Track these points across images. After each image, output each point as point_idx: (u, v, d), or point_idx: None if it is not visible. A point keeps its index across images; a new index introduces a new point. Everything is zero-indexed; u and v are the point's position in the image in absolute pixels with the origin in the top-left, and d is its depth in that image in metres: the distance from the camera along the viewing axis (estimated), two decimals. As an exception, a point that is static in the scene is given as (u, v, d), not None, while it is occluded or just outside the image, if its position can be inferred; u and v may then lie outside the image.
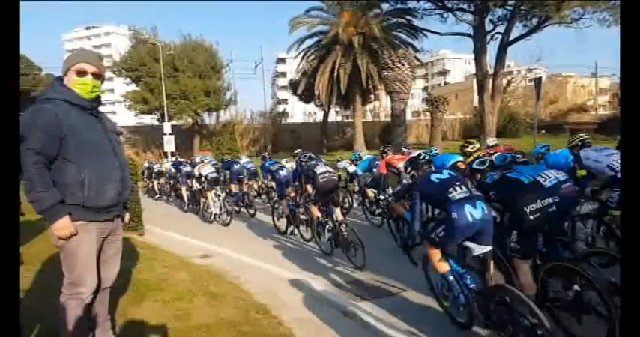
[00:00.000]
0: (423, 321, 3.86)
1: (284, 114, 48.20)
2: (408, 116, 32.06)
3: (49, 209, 2.52)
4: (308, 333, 3.70)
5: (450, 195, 3.38)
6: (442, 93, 32.39)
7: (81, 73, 2.72)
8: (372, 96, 34.43)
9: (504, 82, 29.75)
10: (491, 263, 3.33)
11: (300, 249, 7.04)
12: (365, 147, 27.12)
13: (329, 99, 31.13)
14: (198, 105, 32.80)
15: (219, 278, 5.21)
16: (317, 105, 36.77)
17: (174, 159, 18.23)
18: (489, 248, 3.30)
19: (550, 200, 3.42)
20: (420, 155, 4.43)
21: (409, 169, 4.30)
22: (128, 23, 43.21)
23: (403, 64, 22.34)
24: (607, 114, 36.12)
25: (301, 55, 32.40)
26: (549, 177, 3.68)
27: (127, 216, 3.15)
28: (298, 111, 54.74)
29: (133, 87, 34.83)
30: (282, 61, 67.44)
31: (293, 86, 36.37)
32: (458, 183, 3.47)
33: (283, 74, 65.59)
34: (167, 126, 29.32)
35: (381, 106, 40.56)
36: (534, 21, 22.74)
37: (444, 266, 3.50)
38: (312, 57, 31.95)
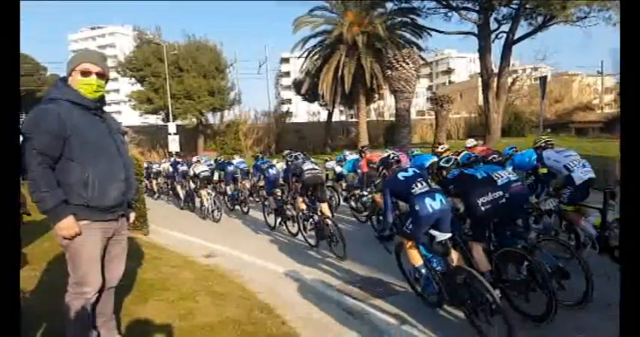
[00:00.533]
0: (427, 319, 3.88)
1: (288, 113, 48.19)
2: (413, 115, 31.92)
3: (52, 209, 2.53)
4: (312, 332, 3.70)
5: (412, 190, 3.92)
6: (447, 93, 32.21)
7: (85, 73, 2.73)
8: (377, 95, 34.36)
9: (509, 80, 29.60)
10: (451, 247, 3.86)
11: (296, 245, 7.24)
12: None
13: (333, 99, 31.12)
14: (202, 105, 32.88)
15: (222, 277, 5.22)
16: (321, 105, 36.71)
17: (172, 159, 18.45)
18: (449, 234, 3.81)
19: (500, 193, 3.93)
20: (389, 156, 4.99)
21: (381, 168, 4.83)
22: (132, 23, 43.45)
23: (407, 63, 22.20)
24: (612, 113, 35.63)
25: (305, 54, 32.33)
26: (502, 177, 4.22)
27: (133, 216, 3.16)
28: (302, 111, 54.67)
29: (137, 87, 34.93)
30: (285, 60, 67.08)
31: (297, 86, 36.33)
32: (420, 180, 4.00)
33: (287, 74, 65.21)
34: (172, 126, 29.42)
35: (385, 105, 40.40)
36: (539, 19, 22.54)
37: (417, 260, 4.00)
38: (316, 56, 31.83)
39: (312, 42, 31.89)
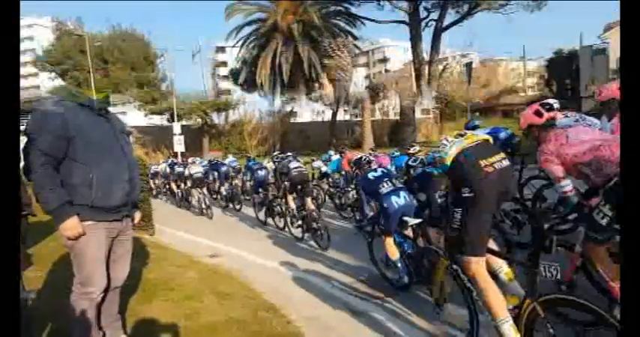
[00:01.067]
0: (432, 318, 3.83)
1: (292, 113, 47.83)
2: (418, 114, 31.67)
3: (56, 209, 2.55)
4: (317, 332, 3.69)
5: (380, 190, 4.50)
6: (382, 81, 32.15)
7: None
8: (317, 85, 33.62)
9: (440, 67, 30.17)
10: (420, 231, 4.56)
11: (287, 239, 7.52)
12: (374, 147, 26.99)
13: (272, 89, 30.82)
14: (207, 105, 32.66)
15: (226, 276, 5.25)
16: (260, 96, 35.91)
17: (169, 160, 18.81)
18: (420, 220, 4.33)
19: None
20: (361, 157, 5.63)
21: (354, 168, 5.56)
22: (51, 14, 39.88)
23: (343, 52, 22.35)
24: (535, 95, 36.85)
25: (240, 43, 31.80)
26: None
27: (138, 216, 3.17)
28: (308, 111, 53.87)
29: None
30: (221, 49, 60.75)
31: (234, 75, 35.38)
32: (386, 179, 4.57)
33: (224, 63, 58.84)
34: (177, 127, 29.34)
35: (390, 105, 40.28)
36: (465, 7, 23.69)
37: (394, 254, 4.46)
38: (252, 45, 31.28)
39: (247, 30, 31.23)
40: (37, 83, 58.61)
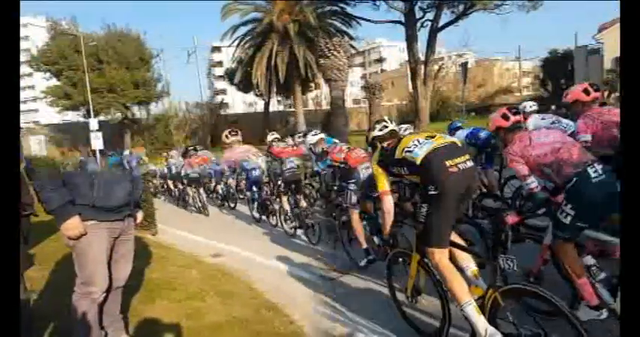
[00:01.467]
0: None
1: (223, 104, 46.04)
2: (349, 104, 31.92)
3: (57, 209, 2.58)
4: (319, 331, 3.69)
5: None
6: (379, 81, 32.45)
7: None
8: (312, 84, 33.80)
9: (436, 68, 30.42)
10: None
11: (281, 235, 7.62)
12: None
13: (269, 89, 30.91)
14: (126, 98, 31.30)
15: (228, 276, 5.23)
16: (257, 95, 36.00)
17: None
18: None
19: None
20: None
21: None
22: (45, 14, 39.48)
23: (339, 52, 22.43)
24: (530, 95, 37.29)
25: (236, 43, 31.69)
26: None
27: (140, 216, 3.19)
28: (239, 102, 53.28)
29: (54, 81, 32.57)
30: (217, 49, 60.47)
31: (229, 75, 35.59)
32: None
33: (220, 63, 60.24)
34: (93, 123, 24.90)
35: (322, 94, 40.16)
36: (461, 7, 23.76)
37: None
38: (248, 45, 31.26)
39: (243, 30, 31.27)
40: (32, 83, 57.92)
